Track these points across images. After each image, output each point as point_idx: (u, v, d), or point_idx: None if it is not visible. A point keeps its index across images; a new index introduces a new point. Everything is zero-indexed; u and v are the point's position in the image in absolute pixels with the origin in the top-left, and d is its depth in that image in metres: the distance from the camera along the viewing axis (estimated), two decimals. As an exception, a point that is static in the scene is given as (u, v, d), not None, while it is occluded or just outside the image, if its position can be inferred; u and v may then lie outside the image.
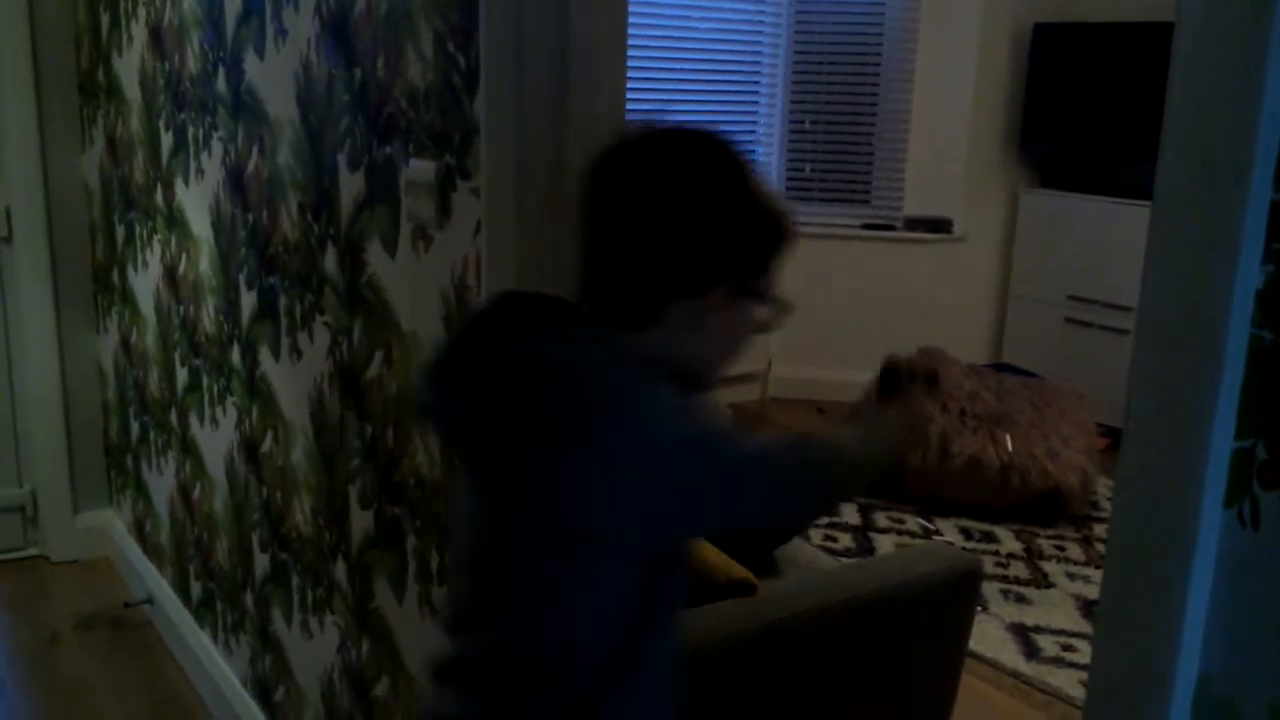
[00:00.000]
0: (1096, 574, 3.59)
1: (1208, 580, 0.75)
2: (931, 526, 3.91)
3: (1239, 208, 0.71)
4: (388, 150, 1.72)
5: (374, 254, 1.80)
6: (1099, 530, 3.96)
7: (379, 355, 1.83)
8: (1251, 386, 0.73)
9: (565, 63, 1.39)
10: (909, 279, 5.28)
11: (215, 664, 2.79)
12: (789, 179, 5.35)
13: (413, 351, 1.72)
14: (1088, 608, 3.38)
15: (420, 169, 1.63)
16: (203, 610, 2.90)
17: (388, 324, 1.79)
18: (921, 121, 5.24)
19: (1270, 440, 0.73)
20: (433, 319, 1.65)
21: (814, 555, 2.53)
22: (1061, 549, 3.80)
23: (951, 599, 2.13)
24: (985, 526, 3.93)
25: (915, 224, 5.29)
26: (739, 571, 2.13)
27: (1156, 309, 0.76)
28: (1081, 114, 5.00)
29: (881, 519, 3.97)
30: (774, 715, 2.00)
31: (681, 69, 5.04)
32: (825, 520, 3.91)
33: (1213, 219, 0.73)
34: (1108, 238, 4.91)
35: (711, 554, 2.22)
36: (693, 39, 5.04)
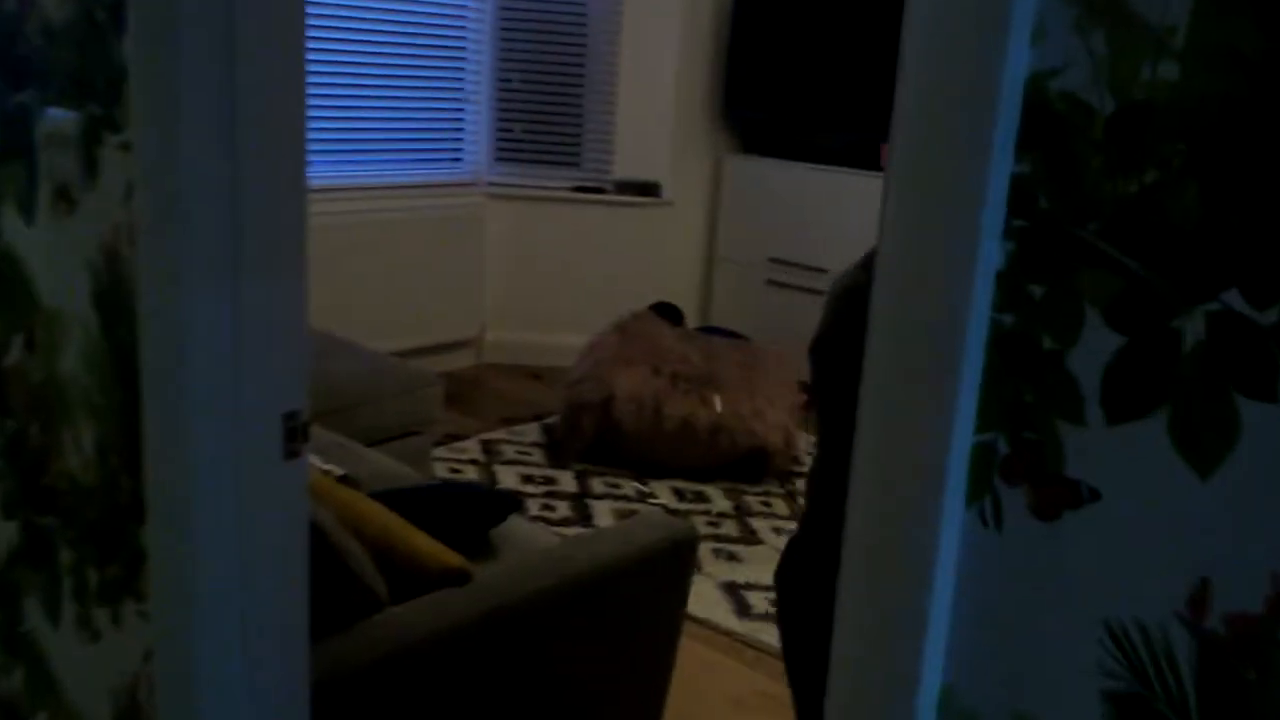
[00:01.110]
0: (801, 528, 3.71)
1: (949, 587, 0.69)
2: (646, 490, 3.93)
3: (978, 181, 0.64)
4: (20, 97, 1.46)
5: (6, 220, 1.53)
6: (801, 485, 4.11)
7: (19, 339, 1.56)
8: (992, 374, 0.67)
9: None
10: (619, 242, 5.28)
11: None
12: (498, 139, 5.21)
13: (57, 333, 1.47)
14: (794, 562, 3.49)
15: (59, 120, 1.39)
16: None
17: (27, 302, 1.53)
18: (628, 85, 5.23)
19: (1011, 433, 0.67)
20: (80, 295, 1.41)
21: (531, 531, 2.44)
22: (768, 505, 3.91)
23: (670, 568, 2.12)
24: (697, 487, 3.99)
25: (625, 187, 5.28)
26: (451, 559, 2.01)
27: (891, 294, 0.69)
28: (782, 81, 5.14)
29: (598, 485, 3.94)
30: (494, 706, 1.91)
31: (380, 20, 4.77)
32: (542, 489, 3.85)
33: (950, 193, 0.66)
34: (806, 202, 5.08)
35: (421, 541, 2.08)
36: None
